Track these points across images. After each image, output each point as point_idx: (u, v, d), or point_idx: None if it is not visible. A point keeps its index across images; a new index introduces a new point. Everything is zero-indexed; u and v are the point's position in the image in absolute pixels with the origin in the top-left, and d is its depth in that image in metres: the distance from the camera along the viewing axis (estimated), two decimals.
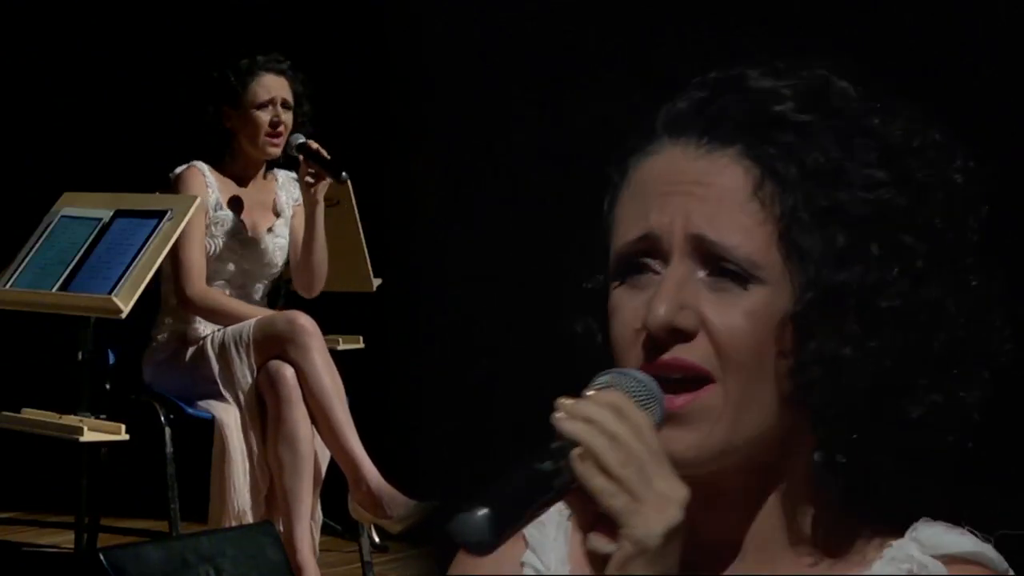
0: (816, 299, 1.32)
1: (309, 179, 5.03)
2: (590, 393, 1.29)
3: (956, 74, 4.44)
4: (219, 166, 5.17)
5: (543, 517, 1.39)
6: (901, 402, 1.34)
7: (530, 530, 1.43)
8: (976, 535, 1.36)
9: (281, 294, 5.49)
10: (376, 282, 5.52)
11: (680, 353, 1.32)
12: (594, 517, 1.26)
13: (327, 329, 5.03)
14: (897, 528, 1.38)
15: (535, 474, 1.24)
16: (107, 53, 6.78)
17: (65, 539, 5.49)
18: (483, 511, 1.21)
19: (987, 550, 1.35)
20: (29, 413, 4.87)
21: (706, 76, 1.41)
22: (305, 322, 4.90)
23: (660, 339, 1.32)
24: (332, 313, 5.21)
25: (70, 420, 4.75)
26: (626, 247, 1.36)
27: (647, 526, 1.23)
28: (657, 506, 1.24)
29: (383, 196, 5.80)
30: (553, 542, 1.44)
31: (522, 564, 1.44)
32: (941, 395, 1.34)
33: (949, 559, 1.34)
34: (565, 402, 1.27)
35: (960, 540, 1.35)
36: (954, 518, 1.37)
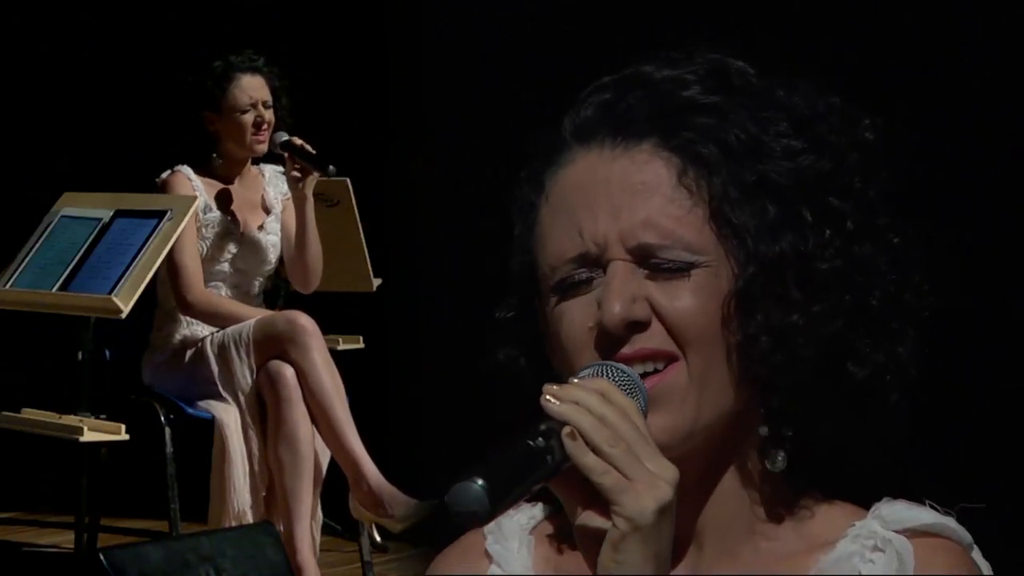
0: (757, 273, 1.34)
1: (296, 174, 5.03)
2: (576, 380, 1.30)
3: (956, 74, 4.44)
4: (204, 168, 5.17)
5: (505, 531, 1.43)
6: (848, 366, 1.36)
7: (493, 546, 1.44)
8: (938, 509, 1.37)
9: (281, 294, 5.49)
10: (376, 282, 5.52)
11: (639, 343, 1.33)
12: (585, 499, 1.26)
13: (327, 329, 5.03)
14: (858, 507, 1.39)
15: (530, 450, 1.24)
16: (109, 53, 6.78)
17: (65, 539, 5.49)
18: (480, 481, 1.20)
19: (949, 522, 1.36)
20: (29, 413, 4.87)
21: (603, 80, 1.42)
22: (305, 322, 4.90)
23: (617, 335, 1.33)
24: (332, 313, 5.21)
25: (70, 420, 4.75)
26: (563, 268, 1.37)
27: (639, 503, 1.23)
28: (648, 484, 1.24)
29: (383, 196, 5.80)
30: (516, 554, 1.44)
31: None
32: (883, 354, 1.37)
33: (912, 533, 1.35)
34: (552, 387, 1.28)
35: (922, 514, 1.36)
36: (907, 491, 1.39)
